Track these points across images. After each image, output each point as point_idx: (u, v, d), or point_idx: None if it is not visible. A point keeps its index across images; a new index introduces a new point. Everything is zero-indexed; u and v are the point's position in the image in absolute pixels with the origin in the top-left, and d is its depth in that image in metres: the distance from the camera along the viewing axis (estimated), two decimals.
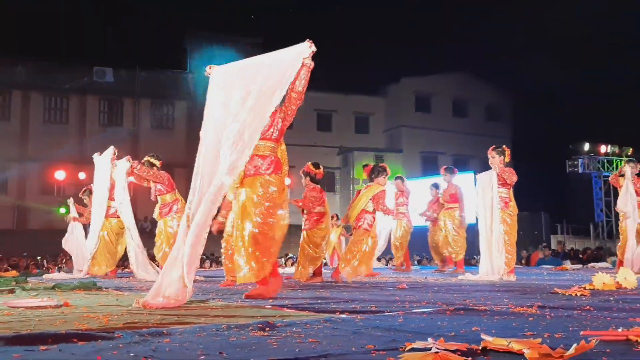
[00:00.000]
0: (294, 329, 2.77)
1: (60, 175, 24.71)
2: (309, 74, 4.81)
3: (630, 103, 28.81)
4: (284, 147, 5.10)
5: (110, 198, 9.75)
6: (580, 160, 24.34)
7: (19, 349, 2.23)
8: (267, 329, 2.75)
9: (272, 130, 4.88)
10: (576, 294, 4.88)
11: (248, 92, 4.63)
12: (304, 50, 4.69)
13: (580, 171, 24.31)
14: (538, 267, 14.72)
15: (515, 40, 35.85)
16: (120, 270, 12.17)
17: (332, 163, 31.18)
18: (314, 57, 4.76)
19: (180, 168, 21.66)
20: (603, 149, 24.25)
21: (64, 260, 16.16)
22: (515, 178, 8.25)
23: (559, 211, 25.66)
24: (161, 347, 2.28)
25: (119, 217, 9.65)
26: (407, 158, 31.17)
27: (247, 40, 28.77)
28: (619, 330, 2.50)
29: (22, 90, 27.70)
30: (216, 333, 2.65)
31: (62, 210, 24.74)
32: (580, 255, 17.53)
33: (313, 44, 4.73)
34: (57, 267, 14.98)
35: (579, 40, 31.64)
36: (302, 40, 4.76)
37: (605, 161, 24.31)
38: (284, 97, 4.78)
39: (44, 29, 30.34)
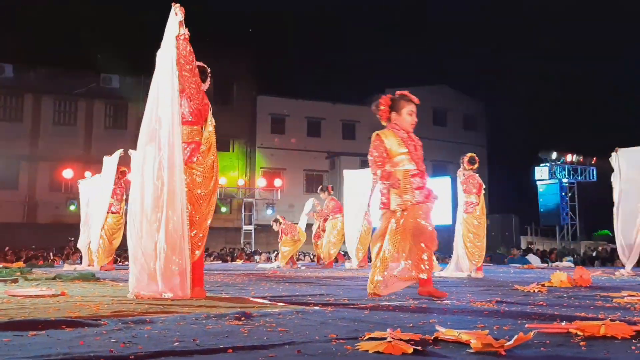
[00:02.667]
0: (267, 319, 2.78)
1: (68, 173, 24.58)
2: (188, 44, 4.10)
3: (594, 117, 29.07)
4: (211, 128, 4.29)
5: (111, 196, 9.79)
6: (548, 167, 24.50)
7: (9, 334, 2.23)
8: (242, 318, 2.76)
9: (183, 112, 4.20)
10: (534, 291, 4.92)
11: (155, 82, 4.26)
12: (172, 23, 4.09)
13: (548, 177, 24.46)
14: (507, 265, 14.80)
15: (491, 55, 36.11)
16: (121, 263, 12.15)
17: (320, 167, 31.23)
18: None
19: None
20: (569, 157, 24.42)
21: (71, 253, 16.09)
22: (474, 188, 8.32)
23: (528, 214, 25.81)
24: (141, 334, 2.29)
25: (115, 213, 9.69)
26: None
27: (243, 51, 28.81)
28: (563, 323, 2.53)
29: (33, 94, 27.62)
30: (195, 322, 2.67)
31: (72, 207, 24.68)
32: (548, 256, 17.63)
33: (179, 9, 4.09)
34: (61, 260, 14.90)
35: (547, 56, 31.89)
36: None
37: (571, 169, 24.48)
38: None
39: (56, 37, 30.19)
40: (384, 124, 4.99)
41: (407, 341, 2.08)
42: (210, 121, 4.34)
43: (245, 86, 30.14)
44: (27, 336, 2.23)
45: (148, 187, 4.06)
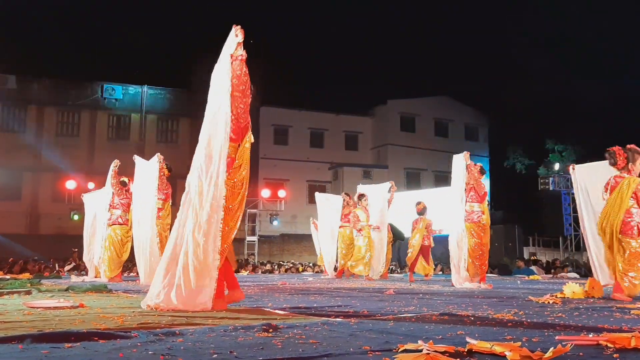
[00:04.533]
0: (295, 330, 2.80)
1: (71, 184, 24.62)
2: (244, 65, 4.22)
3: (597, 128, 29.15)
4: (247, 145, 4.37)
5: (113, 207, 9.81)
6: (551, 178, 24.53)
7: (45, 346, 2.25)
8: (270, 330, 2.78)
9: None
10: (548, 302, 4.94)
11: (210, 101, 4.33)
12: (230, 43, 4.17)
13: (551, 188, 24.47)
14: (512, 276, 14.81)
15: (492, 66, 36.27)
16: (126, 274, 12.15)
17: (323, 177, 31.28)
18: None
19: (183, 180, 21.58)
20: (572, 168, 24.45)
21: (74, 265, 16.10)
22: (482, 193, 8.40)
23: (531, 225, 25.79)
24: (176, 346, 2.31)
25: (122, 224, 9.69)
26: (392, 173, 31.23)
27: (247, 62, 28.81)
28: (590, 335, 2.55)
29: (37, 105, 27.73)
30: (225, 334, 2.68)
31: (76, 217, 24.69)
32: (554, 267, 17.63)
33: (240, 31, 4.17)
34: (66, 272, 14.89)
35: (551, 65, 32.04)
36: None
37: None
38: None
39: (59, 50, 30.36)
40: (616, 170, 5.86)
41: (442, 353, 2.10)
42: (249, 138, 4.40)
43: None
44: (63, 348, 2.24)
45: (194, 202, 4.12)
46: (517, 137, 32.73)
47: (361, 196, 11.97)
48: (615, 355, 2.14)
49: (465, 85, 34.68)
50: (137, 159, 9.23)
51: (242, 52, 4.18)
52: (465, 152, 8.54)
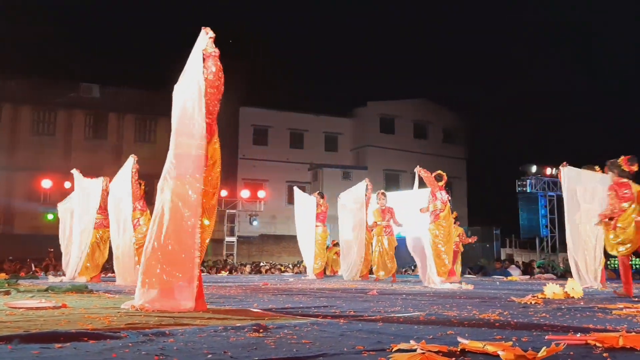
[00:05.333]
0: (286, 331, 2.80)
1: (46, 183, 24.27)
2: (218, 61, 4.23)
3: (574, 131, 29.61)
4: (217, 146, 4.37)
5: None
6: (528, 180, 24.83)
7: (35, 347, 2.22)
8: (260, 330, 2.77)
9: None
10: (531, 302, 5.00)
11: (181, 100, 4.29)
12: (201, 40, 4.20)
13: (528, 190, 24.78)
14: (490, 277, 14.98)
15: (470, 69, 36.64)
16: (104, 275, 12.00)
17: (303, 178, 31.24)
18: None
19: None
20: (548, 171, 24.78)
21: (51, 264, 15.87)
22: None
23: (508, 226, 26.10)
24: (168, 347, 2.29)
25: (107, 227, 9.62)
26: (372, 175, 31.14)
27: (225, 62, 28.73)
28: (579, 335, 2.59)
29: (12, 104, 27.25)
30: (215, 334, 2.67)
31: (50, 216, 24.32)
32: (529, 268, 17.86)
33: (209, 30, 4.23)
34: (42, 272, 14.67)
35: (526, 70, 32.47)
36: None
37: (550, 182, 24.83)
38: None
39: (35, 47, 29.88)
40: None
41: (436, 352, 2.11)
42: (216, 138, 4.38)
43: (228, 97, 29.89)
44: (53, 348, 2.21)
45: (166, 202, 4.06)
46: (495, 140, 33.09)
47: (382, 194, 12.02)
48: (605, 355, 2.18)
49: (444, 88, 34.95)
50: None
51: (214, 49, 4.19)
52: (417, 167, 9.35)
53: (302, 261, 15.44)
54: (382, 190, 12.26)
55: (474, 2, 37.00)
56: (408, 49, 38.80)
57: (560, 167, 8.93)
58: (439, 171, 9.47)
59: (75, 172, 10.04)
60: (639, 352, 2.25)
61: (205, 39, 4.18)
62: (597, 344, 2.36)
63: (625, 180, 6.73)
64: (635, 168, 6.82)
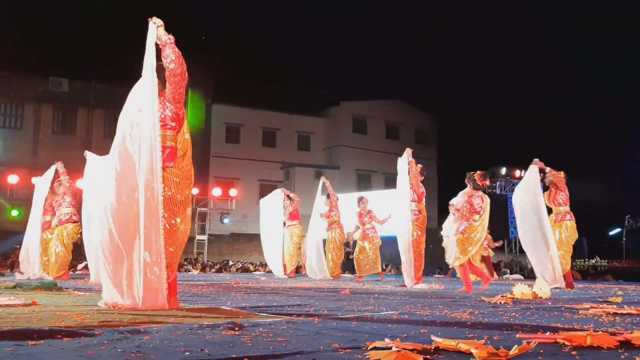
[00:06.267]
0: (261, 329, 2.81)
1: (13, 179, 23.74)
2: (176, 48, 4.14)
3: (542, 134, 30.16)
4: (187, 136, 4.33)
5: (65, 206, 9.65)
6: (498, 182, 25.18)
7: (8, 344, 2.19)
8: (236, 328, 2.78)
9: (163, 116, 4.20)
10: (500, 302, 5.10)
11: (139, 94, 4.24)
12: (152, 32, 4.13)
13: (498, 192, 25.12)
14: (456, 277, 15.13)
15: (442, 71, 37.04)
16: (72, 272, 11.83)
17: (275, 177, 31.21)
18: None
19: None
20: (518, 173, 25.17)
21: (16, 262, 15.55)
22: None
23: None
24: (144, 344, 2.28)
25: (75, 222, 9.47)
26: (344, 174, 31.50)
27: (198, 58, 28.65)
28: (548, 334, 2.66)
29: None
30: (191, 332, 2.67)
31: (15, 212, 23.83)
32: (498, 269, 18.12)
33: (156, 19, 4.16)
34: (8, 269, 14.37)
35: (495, 74, 32.95)
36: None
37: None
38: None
39: (2, 40, 29.23)
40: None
41: (411, 350, 2.15)
42: (186, 128, 4.33)
43: (200, 94, 29.86)
44: (27, 346, 2.19)
45: (127, 195, 4.00)
46: (465, 142, 33.54)
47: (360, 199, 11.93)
48: (573, 353, 2.24)
49: (416, 89, 35.30)
50: (89, 154, 8.93)
51: (168, 36, 4.12)
52: (408, 148, 8.81)
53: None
54: (364, 197, 12.27)
55: (444, 3, 37.39)
56: (381, 50, 39.04)
57: (533, 163, 9.06)
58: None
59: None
60: (605, 351, 2.32)
61: (154, 29, 4.11)
62: (566, 343, 2.43)
63: (479, 193, 7.67)
64: (487, 182, 7.89)
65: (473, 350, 2.15)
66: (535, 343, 2.24)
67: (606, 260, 18.16)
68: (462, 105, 34.16)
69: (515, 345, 2.14)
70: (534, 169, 8.73)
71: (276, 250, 12.76)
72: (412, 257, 8.30)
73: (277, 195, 13.23)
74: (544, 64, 33.33)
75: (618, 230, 19.30)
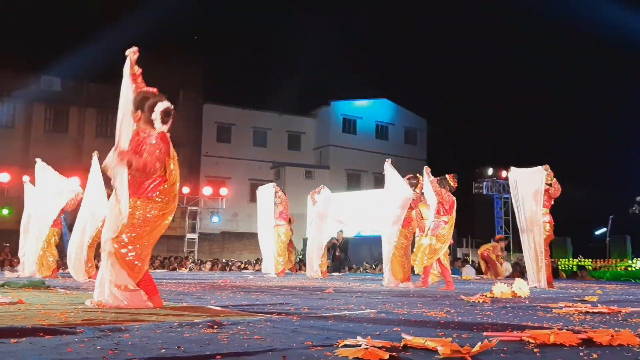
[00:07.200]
0: (239, 327, 2.87)
1: (4, 177, 23.65)
2: (143, 82, 4.34)
3: (528, 136, 30.40)
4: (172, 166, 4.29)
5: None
6: (484, 183, 25.35)
7: None
8: (215, 326, 2.84)
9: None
10: (478, 301, 5.18)
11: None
12: (126, 65, 4.34)
13: (484, 192, 25.30)
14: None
15: (431, 73, 37.18)
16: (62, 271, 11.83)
17: (265, 176, 31.20)
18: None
19: None
20: (504, 174, 25.36)
21: (6, 260, 15.51)
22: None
23: (464, 227, 26.60)
24: (123, 342, 2.34)
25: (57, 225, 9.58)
26: (334, 174, 31.58)
27: (190, 59, 28.67)
28: (514, 332, 2.74)
29: None
30: (170, 330, 2.73)
31: (5, 211, 23.72)
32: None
33: (131, 53, 4.32)
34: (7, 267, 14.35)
35: (483, 74, 33.13)
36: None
37: (505, 184, 25.43)
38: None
39: None
40: None
41: (379, 348, 2.22)
42: (172, 155, 4.21)
43: (192, 94, 29.85)
44: (9, 343, 2.24)
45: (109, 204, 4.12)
46: (453, 142, 33.73)
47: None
48: (535, 350, 2.32)
49: (405, 89, 35.43)
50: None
51: (137, 70, 4.35)
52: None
53: (261, 259, 15.41)
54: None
55: (436, 5, 37.56)
56: (370, 51, 39.15)
57: (508, 172, 9.20)
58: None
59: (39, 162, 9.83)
60: (567, 348, 2.40)
61: (127, 64, 4.32)
62: (530, 340, 2.50)
63: (451, 195, 8.01)
64: (456, 185, 8.18)
65: (439, 348, 2.22)
66: (497, 340, 2.31)
67: (590, 260, 18.33)
68: (450, 106, 34.38)
69: (479, 343, 2.22)
70: (542, 172, 8.78)
71: (269, 244, 12.80)
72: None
73: (271, 189, 13.25)
74: (530, 66, 33.56)
75: (603, 230, 19.47)
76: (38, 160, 10.10)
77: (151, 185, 4.07)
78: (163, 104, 4.08)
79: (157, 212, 4.08)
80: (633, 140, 25.08)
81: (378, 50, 40.09)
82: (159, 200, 4.09)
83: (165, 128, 4.12)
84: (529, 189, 8.92)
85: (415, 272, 8.47)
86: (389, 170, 8.80)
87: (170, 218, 4.21)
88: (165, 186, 4.13)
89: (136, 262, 4.00)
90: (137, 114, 4.11)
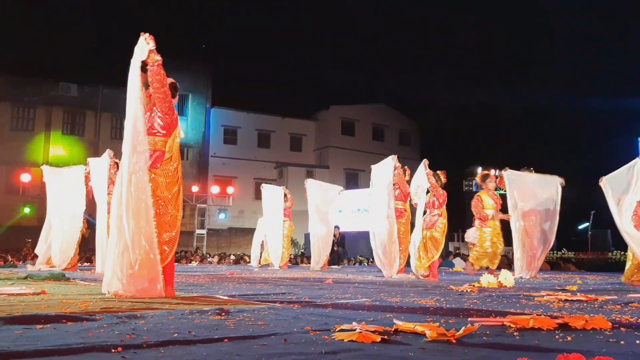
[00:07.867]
0: (245, 314, 2.93)
1: (25, 177, 23.74)
2: (161, 69, 4.22)
3: (514, 136, 30.47)
4: (178, 140, 4.40)
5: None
6: (474, 181, 25.43)
7: (18, 327, 2.31)
8: (223, 314, 2.90)
9: (150, 124, 4.29)
10: (466, 291, 5.24)
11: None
12: (141, 51, 4.15)
13: (474, 190, 25.38)
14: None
15: (425, 78, 37.23)
16: (80, 264, 11.90)
17: (269, 176, 31.30)
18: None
19: None
20: (492, 172, 25.46)
21: (29, 254, 15.58)
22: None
23: (456, 222, 26.67)
24: (139, 327, 2.41)
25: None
26: (333, 173, 31.65)
27: (198, 66, 28.76)
28: (497, 317, 2.80)
29: None
30: (182, 317, 2.79)
31: (27, 210, 23.80)
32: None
33: (150, 38, 4.16)
34: (21, 262, 14.40)
35: (474, 79, 33.17)
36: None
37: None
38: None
39: (16, 45, 29.16)
40: None
41: (372, 332, 2.29)
42: (178, 133, 4.43)
43: (200, 99, 29.97)
44: (35, 329, 2.31)
45: (124, 194, 4.13)
46: (445, 143, 33.80)
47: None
48: (515, 334, 2.38)
49: (400, 94, 35.53)
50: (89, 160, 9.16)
51: (158, 58, 4.19)
52: (393, 155, 8.86)
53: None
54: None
55: (431, 10, 37.61)
56: (368, 58, 39.22)
57: (503, 172, 9.23)
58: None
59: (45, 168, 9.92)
60: (544, 332, 2.46)
61: (144, 48, 4.13)
62: (511, 325, 2.57)
63: (442, 189, 8.20)
64: (446, 180, 8.35)
65: (427, 332, 2.28)
66: (479, 325, 2.38)
67: (573, 252, 18.38)
68: (442, 110, 34.42)
69: (463, 327, 2.28)
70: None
71: (276, 239, 12.79)
72: (395, 249, 8.39)
73: (279, 191, 13.29)
74: (519, 69, 33.60)
75: (586, 224, 19.52)
76: (43, 167, 10.16)
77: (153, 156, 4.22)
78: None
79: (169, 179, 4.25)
80: (615, 139, 25.14)
81: (374, 58, 40.16)
82: (162, 174, 4.23)
83: (174, 101, 4.43)
84: (522, 187, 9.04)
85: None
86: (389, 168, 8.74)
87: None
88: (167, 156, 4.28)
89: (165, 247, 4.10)
90: (148, 92, 4.28)
